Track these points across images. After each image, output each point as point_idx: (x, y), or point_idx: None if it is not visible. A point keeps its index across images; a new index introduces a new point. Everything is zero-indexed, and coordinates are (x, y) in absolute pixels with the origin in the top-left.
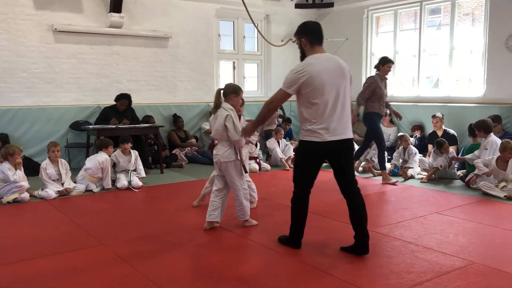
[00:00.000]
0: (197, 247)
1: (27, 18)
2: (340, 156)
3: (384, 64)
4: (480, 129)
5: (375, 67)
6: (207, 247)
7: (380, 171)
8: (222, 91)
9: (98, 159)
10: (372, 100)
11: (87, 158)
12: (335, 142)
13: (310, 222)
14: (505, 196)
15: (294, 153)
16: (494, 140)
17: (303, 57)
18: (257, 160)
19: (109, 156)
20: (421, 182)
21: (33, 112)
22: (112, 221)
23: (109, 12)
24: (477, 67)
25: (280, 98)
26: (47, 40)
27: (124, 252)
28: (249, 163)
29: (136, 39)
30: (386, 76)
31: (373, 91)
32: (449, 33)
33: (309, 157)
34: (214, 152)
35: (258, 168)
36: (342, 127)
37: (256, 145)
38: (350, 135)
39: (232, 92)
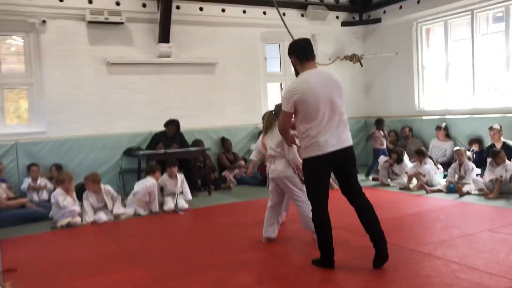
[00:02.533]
0: (231, 268)
1: (83, 54)
2: (342, 165)
3: None
4: None
5: None
6: (240, 268)
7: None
8: (273, 111)
9: (146, 184)
10: None
11: (136, 183)
12: (336, 153)
13: (345, 241)
14: None
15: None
16: None
17: (297, 75)
18: None
19: (157, 181)
20: (486, 198)
21: (89, 141)
22: (154, 243)
23: (158, 42)
24: None
25: (283, 120)
26: (101, 73)
27: (159, 274)
28: None
29: (185, 66)
30: None
31: None
32: (505, 39)
33: (315, 172)
34: (272, 167)
35: None
36: (340, 137)
37: None
38: (349, 143)
39: None
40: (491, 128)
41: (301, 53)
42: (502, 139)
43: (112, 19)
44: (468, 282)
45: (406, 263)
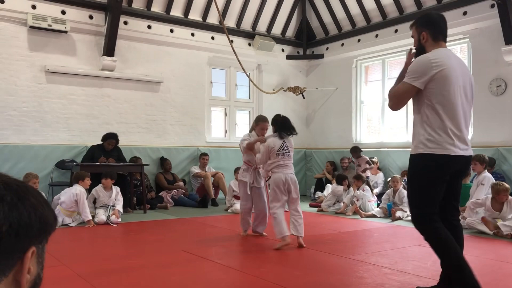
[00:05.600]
0: (158, 268)
1: (21, 59)
2: (459, 176)
3: None
4: (481, 161)
5: None
6: (166, 270)
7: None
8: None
9: (72, 191)
10: None
11: (62, 192)
12: (462, 158)
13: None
14: (494, 232)
15: None
16: (489, 176)
17: (420, 54)
18: None
19: (87, 188)
20: None
21: (20, 149)
22: (80, 247)
23: (102, 55)
24: None
25: (402, 92)
26: (39, 80)
27: (83, 270)
28: (234, 203)
29: (128, 82)
30: None
31: None
32: None
33: (436, 175)
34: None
35: None
36: (467, 141)
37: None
38: (471, 150)
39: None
40: None
41: (439, 29)
42: None
43: (56, 27)
44: (398, 282)
45: (340, 268)
